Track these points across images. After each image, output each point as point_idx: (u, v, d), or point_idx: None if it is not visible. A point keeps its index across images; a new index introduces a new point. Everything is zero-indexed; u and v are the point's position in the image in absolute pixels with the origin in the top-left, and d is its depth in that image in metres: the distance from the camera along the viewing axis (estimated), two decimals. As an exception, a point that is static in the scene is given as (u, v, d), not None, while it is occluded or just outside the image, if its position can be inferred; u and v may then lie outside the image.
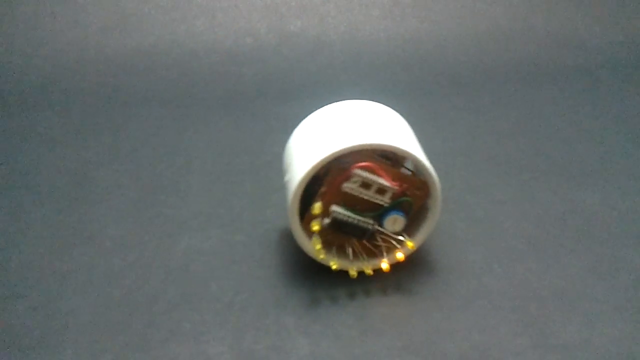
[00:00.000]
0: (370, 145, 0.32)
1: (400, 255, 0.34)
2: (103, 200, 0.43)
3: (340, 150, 0.31)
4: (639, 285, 0.35)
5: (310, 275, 0.35)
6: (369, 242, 0.34)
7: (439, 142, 0.52)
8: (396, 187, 0.33)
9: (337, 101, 0.36)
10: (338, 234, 0.34)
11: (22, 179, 0.46)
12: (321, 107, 0.37)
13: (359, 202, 0.33)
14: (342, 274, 0.34)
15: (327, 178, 0.33)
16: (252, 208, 0.42)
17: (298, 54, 0.66)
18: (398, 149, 0.32)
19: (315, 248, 0.33)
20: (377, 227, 0.34)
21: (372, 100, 0.37)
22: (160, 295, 0.34)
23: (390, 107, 0.37)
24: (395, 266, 0.35)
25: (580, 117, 0.57)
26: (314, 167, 0.32)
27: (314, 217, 0.33)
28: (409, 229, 0.35)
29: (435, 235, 0.39)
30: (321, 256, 0.34)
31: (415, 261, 0.37)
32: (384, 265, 0.34)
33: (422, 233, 0.35)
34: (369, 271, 0.34)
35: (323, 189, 0.33)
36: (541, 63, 0.68)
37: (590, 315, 0.33)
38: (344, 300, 0.34)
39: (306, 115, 0.36)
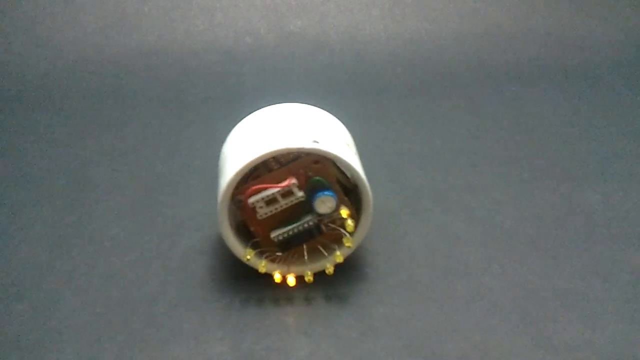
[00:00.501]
0: (241, 171, 0.32)
1: (347, 240, 0.34)
2: (103, 200, 0.43)
3: (224, 196, 0.32)
4: (639, 285, 0.35)
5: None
6: (322, 235, 0.34)
7: (439, 142, 0.52)
8: (291, 183, 0.32)
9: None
10: (293, 248, 0.34)
11: (22, 179, 0.46)
12: (321, 107, 0.37)
13: (285, 213, 0.33)
14: (342, 274, 0.35)
15: (245, 219, 0.33)
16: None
17: (298, 54, 0.66)
18: (257, 159, 0.32)
19: (247, 259, 0.34)
20: (316, 218, 0.33)
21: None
22: (160, 295, 0.34)
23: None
24: (395, 266, 0.35)
25: (580, 117, 0.57)
26: (221, 214, 0.33)
27: (249, 260, 0.34)
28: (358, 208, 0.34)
29: (436, 236, 0.39)
30: (262, 269, 0.34)
31: (415, 261, 0.37)
32: (345, 249, 0.34)
33: (365, 203, 0.34)
34: (330, 270, 0.34)
35: (252, 229, 0.34)
36: (541, 63, 0.68)
37: (590, 315, 0.33)
38: (344, 300, 0.34)
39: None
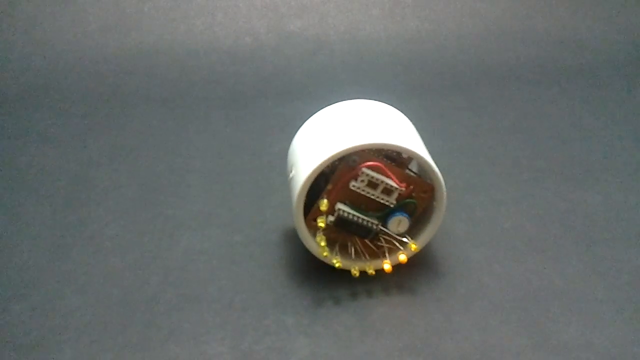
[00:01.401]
0: (379, 144, 0.32)
1: (403, 257, 0.34)
2: (103, 200, 0.43)
3: (348, 149, 0.31)
4: (639, 285, 0.35)
5: (310, 276, 0.35)
6: (372, 242, 0.34)
7: (440, 141, 0.52)
8: (403, 188, 0.33)
9: (337, 101, 0.36)
10: (342, 232, 0.34)
11: (22, 179, 0.46)
12: (321, 107, 0.37)
13: (365, 201, 0.33)
14: (342, 274, 0.34)
15: (333, 176, 0.33)
16: (252, 208, 0.42)
17: (298, 54, 0.66)
18: (407, 150, 0.32)
19: (319, 245, 0.33)
20: (381, 227, 0.34)
21: (373, 100, 0.37)
22: (160, 295, 0.34)
23: (390, 106, 0.37)
24: (395, 266, 0.35)
25: (580, 117, 0.57)
26: (321, 165, 0.31)
27: (320, 213, 0.33)
28: (412, 231, 0.35)
29: (436, 235, 0.39)
30: (325, 254, 0.33)
31: (415, 261, 0.37)
32: (387, 266, 0.34)
33: (425, 235, 0.35)
34: (371, 271, 0.34)
35: (329, 187, 0.33)
36: (541, 63, 0.68)
37: (590, 315, 0.33)
38: (344, 300, 0.34)
39: (306, 115, 0.36)
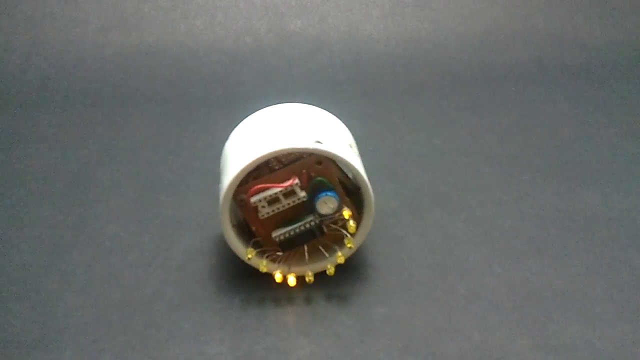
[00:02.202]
0: (243, 171, 0.32)
1: (349, 244, 0.34)
2: (103, 200, 0.43)
3: (226, 197, 0.32)
4: (639, 285, 0.35)
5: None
6: (324, 235, 0.34)
7: (440, 141, 0.52)
8: (293, 183, 0.32)
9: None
10: (294, 248, 0.34)
11: (22, 179, 0.46)
12: (321, 107, 0.37)
13: (287, 213, 0.33)
14: (342, 274, 0.34)
15: (246, 219, 0.33)
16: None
17: (298, 54, 0.66)
18: (260, 158, 0.32)
19: (248, 259, 0.34)
20: (318, 218, 0.33)
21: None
22: (160, 295, 0.34)
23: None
24: (395, 266, 0.35)
25: (580, 117, 0.57)
26: (223, 215, 0.33)
27: (249, 260, 0.33)
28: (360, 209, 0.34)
29: (436, 236, 0.39)
30: (262, 268, 0.34)
31: (415, 261, 0.37)
32: (341, 257, 0.34)
33: (367, 203, 0.34)
34: (331, 271, 0.34)
35: (253, 228, 0.33)
36: (541, 63, 0.68)
37: (590, 315, 0.33)
38: (344, 300, 0.34)
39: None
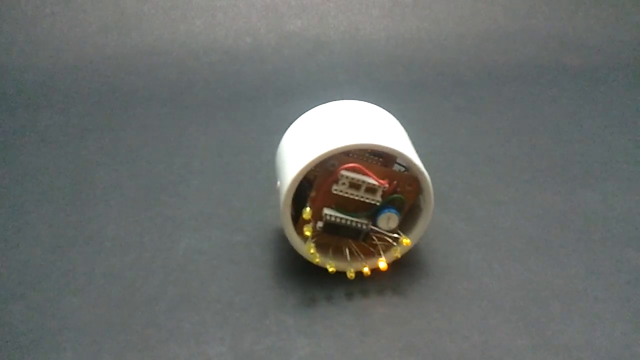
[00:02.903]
0: (354, 145, 0.31)
1: (396, 254, 0.34)
2: (103, 200, 0.43)
3: (323, 154, 0.31)
4: (639, 285, 0.35)
5: (310, 276, 0.35)
6: (366, 242, 0.34)
7: (439, 142, 0.52)
8: (385, 185, 0.33)
9: (337, 101, 0.36)
10: (333, 236, 0.34)
11: (22, 179, 0.46)
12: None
13: (351, 203, 0.33)
14: (342, 274, 0.34)
15: (315, 182, 0.33)
16: (251, 208, 0.42)
17: (298, 54, 0.66)
18: (383, 146, 0.32)
19: (309, 252, 0.33)
20: (371, 226, 0.34)
21: (372, 101, 0.37)
22: (160, 295, 0.34)
23: (390, 106, 0.37)
24: (395, 266, 0.35)
25: (580, 117, 0.57)
26: (298, 174, 0.32)
27: (305, 222, 0.33)
28: (405, 227, 0.35)
29: (436, 236, 0.39)
30: (316, 260, 0.34)
31: (415, 261, 0.37)
32: (382, 264, 0.34)
33: (418, 230, 0.35)
34: (366, 271, 0.34)
35: (313, 194, 0.33)
36: (541, 63, 0.68)
37: (590, 315, 0.33)
38: (344, 300, 0.34)
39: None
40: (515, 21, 0.73)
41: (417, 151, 0.35)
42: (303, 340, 0.31)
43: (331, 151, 0.31)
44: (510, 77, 0.65)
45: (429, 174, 0.33)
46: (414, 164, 0.33)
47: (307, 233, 0.33)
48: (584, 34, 0.72)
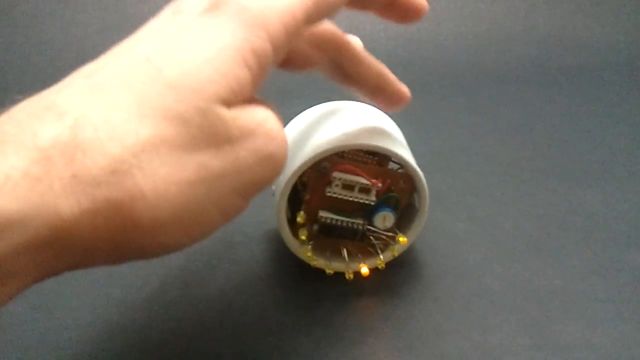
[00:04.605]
0: (343, 146, 0.31)
1: (394, 253, 0.34)
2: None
3: (314, 157, 0.31)
4: (639, 285, 0.35)
5: (310, 276, 0.35)
6: (363, 242, 0.34)
7: (439, 142, 0.52)
8: (378, 185, 0.33)
9: (328, 102, 0.36)
10: (330, 238, 0.34)
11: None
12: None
13: (346, 204, 0.33)
14: (342, 274, 0.35)
15: (309, 185, 0.33)
16: (251, 208, 0.42)
17: (298, 54, 0.66)
18: (373, 146, 0.32)
19: (306, 255, 0.33)
20: (367, 226, 0.34)
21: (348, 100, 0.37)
22: (160, 295, 0.34)
23: (363, 104, 0.37)
24: (395, 266, 0.35)
25: (580, 117, 0.57)
26: (291, 178, 0.32)
27: (300, 226, 0.33)
28: (402, 225, 0.35)
29: (436, 236, 0.39)
30: (314, 262, 0.34)
31: (415, 261, 0.37)
32: (364, 269, 0.34)
33: (414, 228, 0.35)
34: (365, 272, 0.34)
35: (307, 197, 0.33)
36: (541, 63, 0.68)
37: (590, 315, 0.33)
38: (344, 300, 0.34)
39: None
40: (515, 21, 0.73)
41: (417, 151, 0.35)
42: (303, 340, 0.31)
43: (321, 153, 0.31)
44: (510, 77, 0.65)
45: (430, 173, 0.33)
46: (407, 162, 0.32)
47: (303, 237, 0.33)
48: (584, 34, 0.72)
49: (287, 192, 0.32)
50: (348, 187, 0.33)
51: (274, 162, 0.24)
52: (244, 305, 0.33)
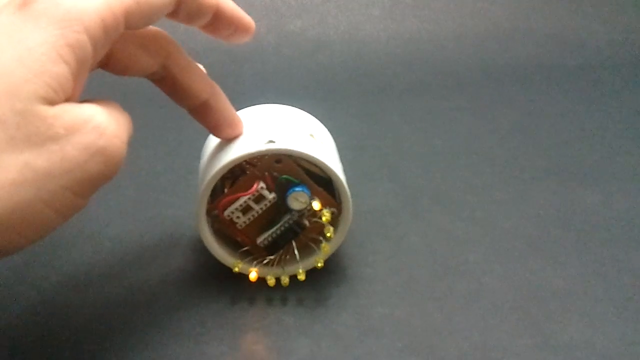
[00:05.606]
0: (203, 193, 0.32)
1: (329, 233, 0.33)
2: (103, 200, 0.43)
3: (200, 212, 0.32)
4: (639, 286, 0.35)
5: (310, 276, 0.35)
6: (304, 234, 0.34)
7: (439, 142, 0.52)
8: (258, 186, 0.32)
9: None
10: (282, 249, 0.34)
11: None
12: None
13: (265, 217, 0.33)
14: (341, 274, 0.35)
15: (226, 232, 0.34)
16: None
17: (298, 54, 0.66)
18: (213, 177, 0.32)
19: (234, 270, 0.34)
20: (295, 215, 0.33)
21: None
22: (160, 295, 0.34)
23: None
24: (395, 266, 0.35)
25: (580, 117, 0.57)
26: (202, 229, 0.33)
27: (252, 282, 0.34)
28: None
29: (436, 236, 0.39)
30: (271, 285, 0.34)
31: (415, 261, 0.37)
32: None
33: (342, 194, 0.33)
34: (320, 264, 0.34)
35: (238, 239, 0.34)
36: (541, 63, 0.68)
37: (591, 315, 0.33)
38: (344, 300, 0.34)
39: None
40: (515, 21, 0.73)
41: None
42: (303, 340, 0.31)
43: (201, 206, 0.32)
44: (510, 77, 0.65)
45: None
46: (288, 150, 0.32)
47: (271, 283, 0.34)
48: (584, 34, 0.72)
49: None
50: (246, 209, 0.33)
51: (105, 157, 0.24)
52: (244, 305, 0.33)
